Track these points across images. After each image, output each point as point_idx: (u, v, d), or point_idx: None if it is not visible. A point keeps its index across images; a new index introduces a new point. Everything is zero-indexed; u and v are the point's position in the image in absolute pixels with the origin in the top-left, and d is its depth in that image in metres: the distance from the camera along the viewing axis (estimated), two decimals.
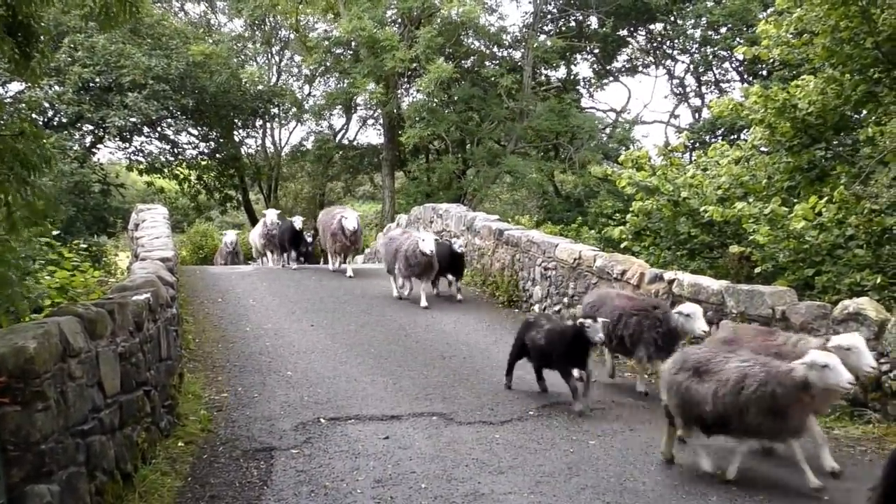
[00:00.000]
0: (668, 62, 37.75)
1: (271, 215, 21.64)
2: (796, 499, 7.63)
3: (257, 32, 39.39)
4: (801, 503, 7.56)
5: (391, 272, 17.23)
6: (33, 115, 25.60)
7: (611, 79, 39.46)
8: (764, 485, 7.91)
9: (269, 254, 22.42)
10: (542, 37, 34.81)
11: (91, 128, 30.23)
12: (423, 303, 16.14)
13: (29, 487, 5.30)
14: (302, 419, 9.65)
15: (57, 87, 27.59)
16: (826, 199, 12.64)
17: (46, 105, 27.29)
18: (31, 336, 5.49)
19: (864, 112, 14.03)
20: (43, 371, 5.47)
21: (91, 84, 28.39)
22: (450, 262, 16.77)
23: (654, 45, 37.35)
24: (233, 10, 38.50)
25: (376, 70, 31.01)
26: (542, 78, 37.23)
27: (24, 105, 24.43)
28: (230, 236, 24.01)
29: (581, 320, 10.23)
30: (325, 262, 21.81)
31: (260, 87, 35.10)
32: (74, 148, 28.08)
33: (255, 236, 23.82)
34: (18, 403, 5.31)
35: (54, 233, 11.10)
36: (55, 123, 28.82)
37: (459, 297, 16.93)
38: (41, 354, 5.45)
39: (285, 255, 21.04)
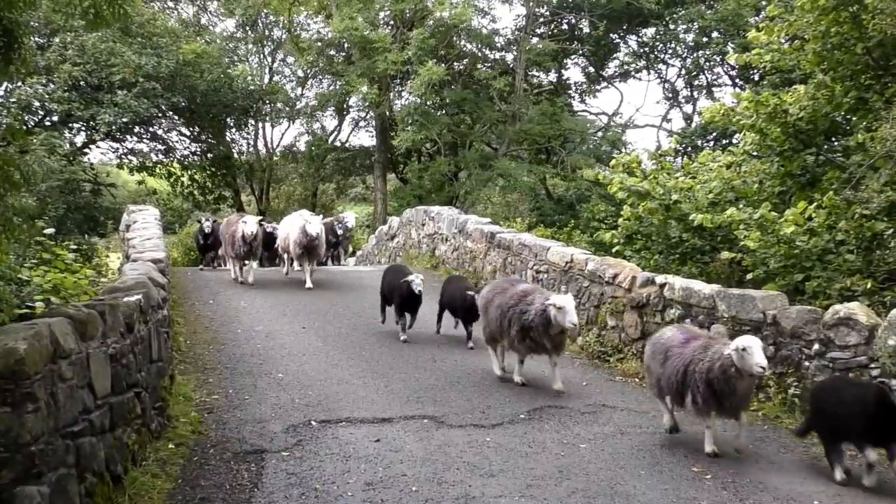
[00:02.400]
0: (660, 66, 37.84)
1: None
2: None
3: (249, 33, 39.37)
4: None
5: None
6: (24, 115, 25.57)
7: (604, 85, 39.54)
8: (755, 484, 7.94)
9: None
10: (535, 39, 34.85)
11: (81, 126, 30.17)
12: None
13: (18, 489, 5.27)
14: (293, 421, 9.63)
15: (48, 87, 27.50)
16: (816, 204, 12.67)
17: (37, 104, 27.20)
18: (21, 337, 5.46)
19: (855, 118, 14.05)
20: (33, 372, 5.44)
21: (81, 82, 28.32)
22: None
23: (646, 49, 37.41)
24: (225, 10, 38.50)
25: (369, 72, 31.02)
26: (535, 81, 37.28)
27: (14, 103, 24.38)
28: (251, 225, 17.60)
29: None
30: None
31: (251, 87, 35.05)
32: (64, 146, 27.99)
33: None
34: (8, 405, 5.28)
35: (47, 231, 11.02)
36: (46, 123, 28.76)
37: None
38: (31, 356, 5.42)
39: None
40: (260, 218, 18.24)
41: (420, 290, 13.55)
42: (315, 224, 17.30)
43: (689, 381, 8.77)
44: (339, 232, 21.73)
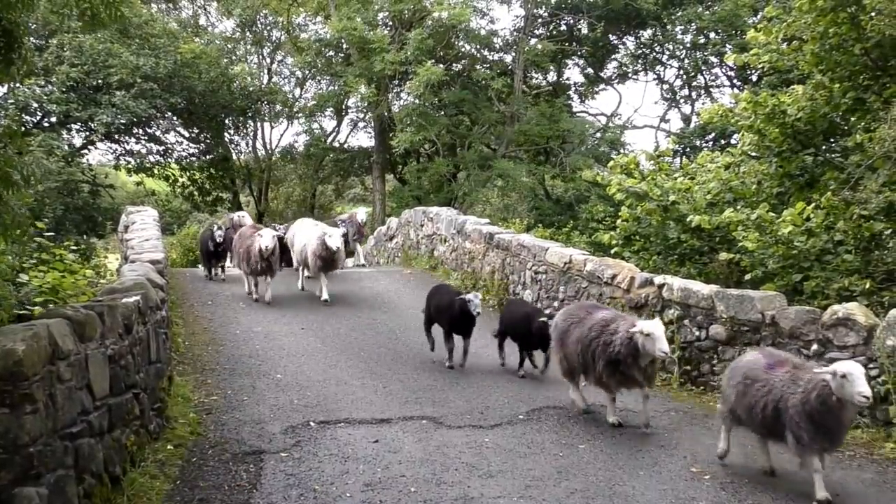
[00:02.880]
0: (659, 67, 37.85)
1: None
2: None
3: (248, 34, 39.38)
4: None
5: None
6: (23, 116, 25.56)
7: (602, 86, 39.54)
8: (753, 484, 7.94)
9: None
10: (533, 41, 34.86)
11: (79, 127, 30.17)
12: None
13: (17, 490, 5.27)
14: (291, 422, 9.63)
15: (46, 88, 27.49)
16: (815, 204, 12.67)
17: (35, 105, 27.20)
18: (19, 338, 5.46)
19: (853, 118, 14.05)
20: (31, 373, 5.44)
21: (79, 83, 28.32)
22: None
23: (645, 50, 37.42)
24: (223, 10, 38.49)
25: (367, 72, 31.03)
26: (533, 82, 37.29)
27: (12, 104, 24.37)
28: (267, 239, 16.15)
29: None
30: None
31: (250, 87, 35.04)
32: (63, 147, 27.99)
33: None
34: (7, 406, 5.28)
35: (48, 233, 11.03)
36: (45, 124, 28.75)
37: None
38: (30, 357, 5.43)
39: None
40: (276, 234, 16.65)
41: (478, 312, 11.90)
42: (336, 237, 16.24)
43: (786, 420, 7.67)
44: (344, 230, 20.82)
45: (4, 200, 7.18)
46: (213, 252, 18.73)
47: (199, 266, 21.49)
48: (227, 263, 19.60)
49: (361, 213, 21.83)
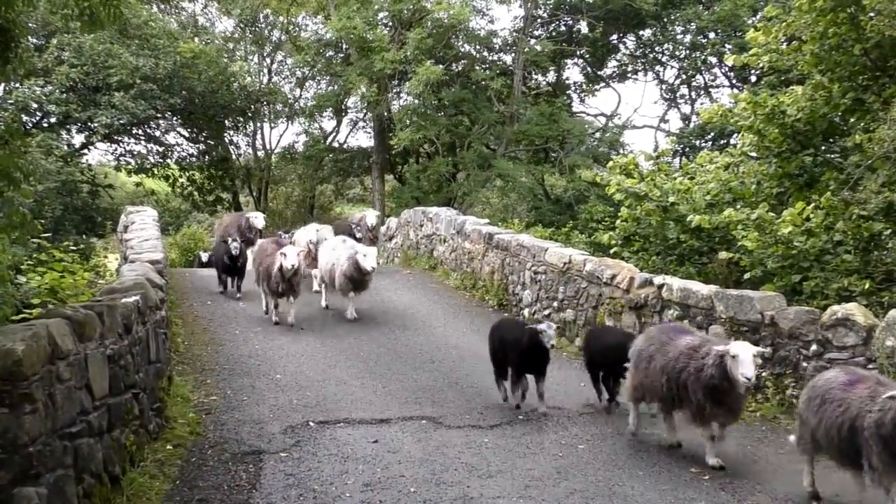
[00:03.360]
0: (658, 67, 37.84)
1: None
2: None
3: (248, 34, 39.38)
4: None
5: None
6: (22, 116, 25.55)
7: (602, 84, 39.53)
8: (752, 485, 7.94)
9: None
10: (533, 41, 34.85)
11: (79, 127, 30.16)
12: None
13: (16, 490, 5.26)
14: (291, 422, 9.64)
15: (46, 88, 27.47)
16: (814, 204, 12.68)
17: (35, 105, 27.19)
18: (19, 338, 5.46)
19: (853, 119, 14.06)
20: (31, 373, 5.43)
21: (79, 84, 28.31)
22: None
23: (644, 50, 37.41)
24: (223, 10, 38.48)
25: (366, 72, 31.03)
26: (533, 82, 37.28)
27: (11, 104, 24.37)
28: (291, 258, 14.58)
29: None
30: None
31: (250, 88, 35.03)
32: (62, 147, 27.99)
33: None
34: (6, 406, 5.27)
35: (47, 234, 11.02)
36: (44, 124, 28.74)
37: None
38: (29, 357, 5.42)
39: None
40: (300, 250, 15.42)
41: (552, 345, 10.24)
42: (371, 258, 15.04)
43: (861, 441, 6.86)
44: (359, 236, 19.28)
45: (7, 197, 7.19)
46: (230, 266, 16.97)
47: (193, 266, 21.26)
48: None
49: (371, 216, 21.00)
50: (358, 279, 15.17)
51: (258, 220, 20.19)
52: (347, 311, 15.56)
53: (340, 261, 15.33)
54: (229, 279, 17.32)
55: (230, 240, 16.79)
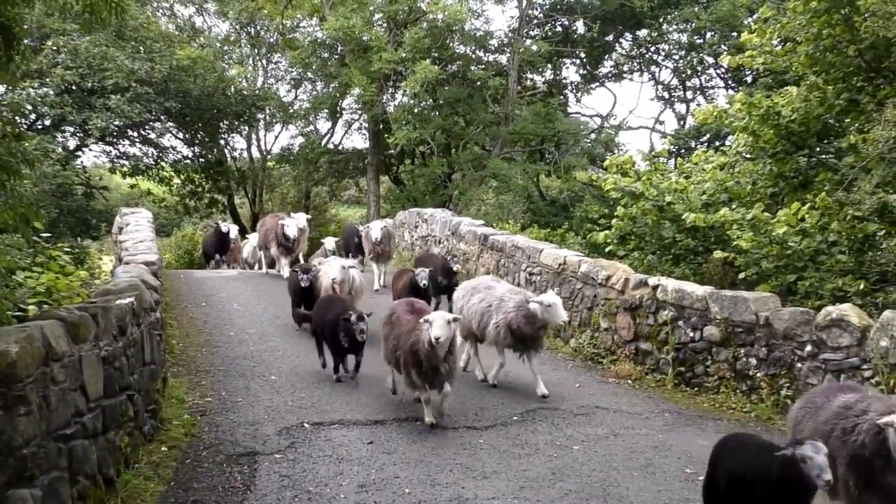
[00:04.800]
0: (654, 68, 37.89)
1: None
2: None
3: (243, 36, 39.37)
4: None
5: None
6: (16, 118, 25.47)
7: (597, 84, 39.58)
8: None
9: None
10: (528, 41, 34.87)
11: (74, 130, 30.09)
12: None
13: (11, 492, 5.26)
14: (286, 424, 9.63)
15: (41, 90, 27.40)
16: (809, 205, 12.71)
17: (29, 108, 27.12)
18: (13, 340, 5.46)
19: (847, 120, 14.10)
20: (25, 375, 5.44)
21: (74, 86, 28.25)
22: None
23: (640, 50, 37.45)
24: (219, 13, 38.48)
25: (362, 72, 31.03)
26: (528, 82, 37.30)
27: (5, 107, 24.31)
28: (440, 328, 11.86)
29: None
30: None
31: (245, 92, 34.99)
32: (57, 150, 27.90)
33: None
34: (0, 407, 5.28)
35: (43, 234, 11.01)
36: (39, 126, 28.67)
37: None
38: (23, 358, 5.42)
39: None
40: (350, 264, 14.09)
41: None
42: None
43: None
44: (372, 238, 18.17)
45: (9, 188, 7.18)
46: (301, 297, 14.38)
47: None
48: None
49: (376, 229, 17.70)
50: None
51: (291, 228, 18.10)
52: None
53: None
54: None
55: (300, 273, 14.20)
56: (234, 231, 22.86)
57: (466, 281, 12.53)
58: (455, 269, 15.28)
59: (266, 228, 19.06)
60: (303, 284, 13.96)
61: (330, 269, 13.90)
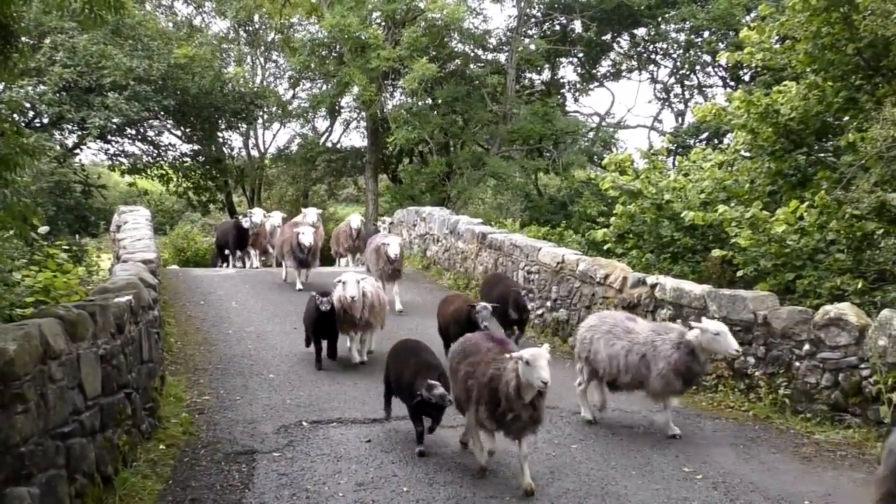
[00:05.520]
0: (652, 67, 37.89)
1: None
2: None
3: (242, 34, 39.35)
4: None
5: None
6: (14, 116, 25.43)
7: (595, 84, 39.58)
8: (745, 484, 7.95)
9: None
10: (527, 40, 34.85)
11: (72, 128, 30.07)
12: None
13: (8, 490, 5.26)
14: (284, 422, 9.62)
15: (39, 88, 27.36)
16: (807, 203, 12.71)
17: (27, 105, 27.08)
18: (10, 338, 5.45)
19: (846, 118, 14.11)
20: (23, 373, 5.43)
21: (72, 84, 28.22)
22: None
23: (638, 49, 37.44)
24: (217, 11, 38.47)
25: (361, 70, 31.01)
26: (527, 81, 37.29)
27: (3, 105, 24.28)
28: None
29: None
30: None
31: (243, 89, 34.97)
32: (55, 148, 27.87)
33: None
34: None
35: (42, 230, 10.99)
36: (37, 124, 28.62)
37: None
38: (21, 356, 5.41)
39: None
40: (363, 277, 12.61)
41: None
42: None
43: None
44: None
45: (10, 182, 7.18)
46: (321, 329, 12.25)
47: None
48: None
49: (395, 245, 15.79)
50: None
51: (306, 236, 17.02)
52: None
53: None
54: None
55: (318, 295, 11.96)
56: (258, 216, 21.10)
57: (591, 317, 10.62)
58: (529, 306, 13.36)
59: (283, 239, 18.01)
60: (323, 308, 11.70)
61: (342, 285, 12.16)
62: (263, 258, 22.13)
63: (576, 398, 10.58)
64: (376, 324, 12.60)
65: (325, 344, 12.23)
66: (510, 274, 16.35)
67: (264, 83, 39.10)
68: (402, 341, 9.92)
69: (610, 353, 9.84)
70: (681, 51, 35.06)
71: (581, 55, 37.21)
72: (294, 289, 17.50)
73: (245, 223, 20.64)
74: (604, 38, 36.55)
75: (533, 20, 36.58)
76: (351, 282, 11.97)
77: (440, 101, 32.45)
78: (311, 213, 19.07)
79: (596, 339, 10.05)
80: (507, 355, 7.77)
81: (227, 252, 22.09)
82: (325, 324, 11.97)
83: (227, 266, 21.83)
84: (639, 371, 9.60)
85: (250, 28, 39.23)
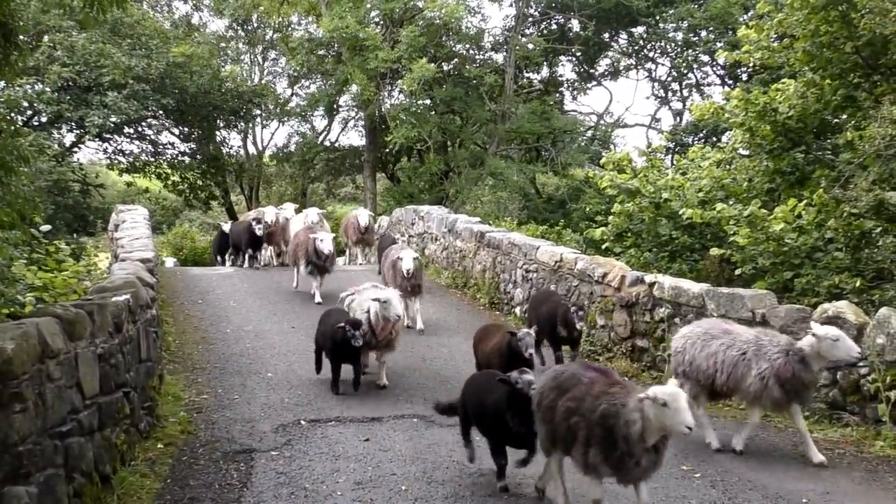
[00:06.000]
0: (650, 65, 37.94)
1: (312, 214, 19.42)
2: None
3: (240, 32, 39.36)
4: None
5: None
6: (13, 115, 25.41)
7: (593, 83, 39.61)
8: (743, 482, 7.94)
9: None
10: (524, 39, 34.86)
11: (70, 127, 30.07)
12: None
13: (6, 489, 5.25)
14: (282, 421, 9.62)
15: (37, 87, 27.35)
16: (806, 202, 12.72)
17: (26, 104, 27.07)
18: (8, 337, 5.45)
19: (844, 116, 14.11)
20: (21, 372, 5.43)
21: (71, 83, 28.22)
22: None
23: (636, 48, 37.48)
24: (215, 10, 38.47)
25: (361, 69, 31.02)
26: (525, 81, 37.31)
27: (2, 104, 24.26)
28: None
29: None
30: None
31: (241, 87, 34.99)
32: (53, 147, 27.87)
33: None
34: None
35: (44, 228, 10.96)
36: (35, 123, 28.61)
37: None
38: (19, 355, 5.41)
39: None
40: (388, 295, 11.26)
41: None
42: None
43: None
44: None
45: (7, 183, 7.17)
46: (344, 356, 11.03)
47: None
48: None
49: (408, 260, 14.43)
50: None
51: (326, 243, 15.99)
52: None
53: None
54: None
55: (347, 326, 10.55)
56: (270, 215, 20.12)
57: (683, 328, 9.87)
58: (579, 326, 11.83)
59: (297, 243, 16.77)
60: (356, 344, 10.40)
61: (364, 302, 11.25)
62: (280, 258, 21.27)
63: None
64: (397, 345, 11.69)
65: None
66: (508, 272, 16.35)
67: (262, 82, 39.07)
68: (481, 373, 9.11)
69: (707, 352, 9.12)
70: (678, 49, 35.09)
71: (579, 54, 37.23)
72: (291, 289, 17.33)
73: (258, 231, 19.49)
74: (602, 36, 36.62)
75: (531, 19, 36.60)
76: (395, 300, 10.93)
77: (439, 101, 32.45)
78: (311, 214, 18.95)
79: (690, 346, 9.31)
80: (622, 388, 6.76)
81: (240, 252, 21.04)
82: (350, 351, 10.60)
83: (226, 265, 21.78)
84: (736, 370, 8.85)
85: (249, 27, 39.21)
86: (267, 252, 21.12)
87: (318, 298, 15.98)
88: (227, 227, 21.90)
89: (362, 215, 20.33)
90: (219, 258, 22.66)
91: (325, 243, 15.80)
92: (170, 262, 26.00)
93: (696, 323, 9.86)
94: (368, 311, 10.98)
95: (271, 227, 19.82)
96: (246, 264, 20.43)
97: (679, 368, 9.34)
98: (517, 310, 15.82)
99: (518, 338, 9.50)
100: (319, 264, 16.01)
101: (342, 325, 10.43)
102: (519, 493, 7.71)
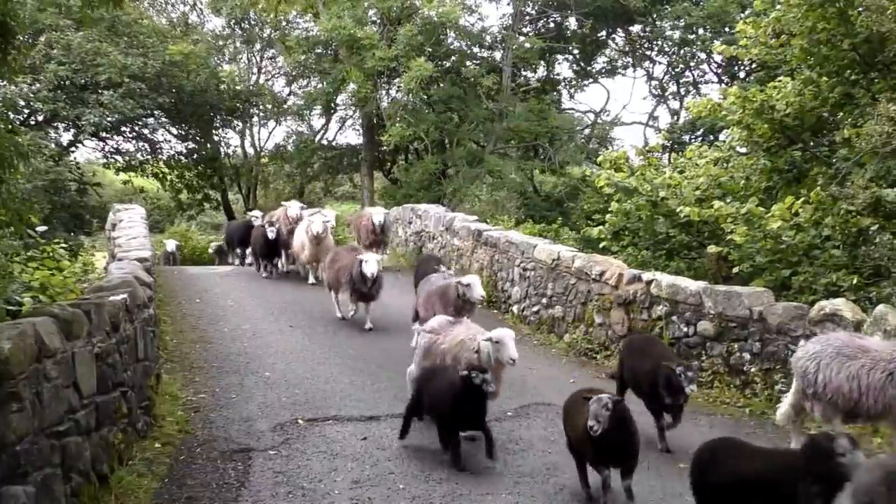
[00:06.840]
0: (647, 63, 37.91)
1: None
2: None
3: (237, 31, 39.30)
4: None
5: None
6: (9, 114, 25.40)
7: (590, 80, 39.58)
8: None
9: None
10: (522, 38, 34.84)
11: (67, 126, 30.04)
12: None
13: (4, 489, 5.25)
14: (280, 420, 9.62)
15: (33, 85, 27.32)
16: (803, 199, 12.73)
17: (22, 103, 27.05)
18: (5, 336, 5.45)
19: (841, 114, 14.11)
20: (18, 372, 5.42)
21: (67, 82, 28.19)
22: None
23: (633, 46, 37.47)
24: (212, 8, 38.40)
25: (358, 68, 31.00)
26: (522, 79, 37.29)
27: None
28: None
29: None
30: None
31: (238, 87, 34.95)
32: (50, 146, 27.84)
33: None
34: None
35: (40, 229, 10.95)
36: (31, 122, 28.60)
37: None
38: (16, 355, 5.41)
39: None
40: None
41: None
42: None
43: None
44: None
45: (5, 181, 7.17)
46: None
47: None
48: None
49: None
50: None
51: (371, 264, 13.94)
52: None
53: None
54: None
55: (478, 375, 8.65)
56: (294, 209, 19.13)
57: (808, 344, 8.77)
58: (689, 390, 9.08)
59: (339, 266, 14.76)
60: (487, 389, 8.46)
61: (498, 345, 9.17)
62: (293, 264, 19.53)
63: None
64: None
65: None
66: (506, 271, 16.34)
67: (260, 80, 39.03)
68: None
69: (846, 374, 8.17)
70: (675, 48, 35.08)
71: (576, 52, 37.21)
72: (291, 285, 17.23)
73: (271, 234, 18.32)
74: (599, 35, 36.57)
75: (528, 17, 36.57)
76: (509, 341, 9.10)
77: (436, 99, 32.43)
78: (316, 220, 17.08)
79: (824, 367, 8.33)
80: None
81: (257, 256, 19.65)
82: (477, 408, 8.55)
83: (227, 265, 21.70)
84: (883, 392, 7.97)
85: (246, 25, 39.15)
86: (282, 258, 19.36)
87: (368, 325, 14.38)
88: (257, 221, 19.74)
89: (377, 214, 18.99)
90: (238, 251, 22.06)
91: (370, 265, 13.81)
92: (171, 244, 25.77)
93: (819, 339, 8.79)
94: (478, 352, 9.22)
95: (322, 235, 17.04)
96: (264, 273, 18.95)
97: (809, 390, 8.47)
98: (514, 308, 15.82)
99: (596, 406, 7.34)
100: (365, 291, 14.16)
101: (466, 372, 8.44)
102: (519, 491, 7.71)
